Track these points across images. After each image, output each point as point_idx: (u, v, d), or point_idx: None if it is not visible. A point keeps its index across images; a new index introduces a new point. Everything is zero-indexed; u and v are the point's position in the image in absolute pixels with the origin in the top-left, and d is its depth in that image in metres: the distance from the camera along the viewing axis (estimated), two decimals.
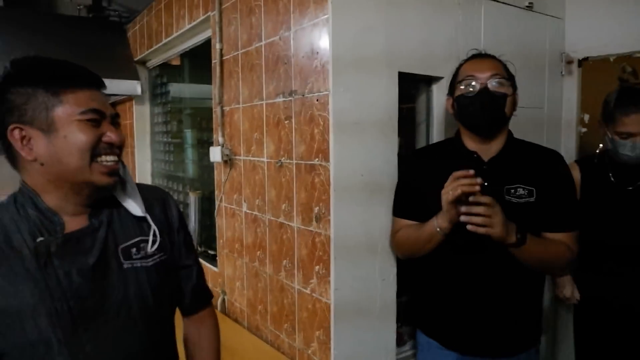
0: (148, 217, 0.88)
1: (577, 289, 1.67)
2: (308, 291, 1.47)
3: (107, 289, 0.81)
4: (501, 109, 1.24)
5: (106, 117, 0.81)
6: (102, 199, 0.86)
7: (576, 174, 1.58)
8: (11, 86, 0.77)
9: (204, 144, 2.59)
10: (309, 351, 1.48)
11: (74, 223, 0.82)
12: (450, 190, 1.11)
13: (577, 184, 1.55)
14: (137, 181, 0.94)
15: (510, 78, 1.27)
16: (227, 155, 1.89)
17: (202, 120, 2.66)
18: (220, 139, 1.94)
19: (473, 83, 1.23)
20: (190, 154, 2.83)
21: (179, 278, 0.98)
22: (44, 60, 0.79)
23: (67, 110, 0.76)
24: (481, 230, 1.09)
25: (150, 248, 0.86)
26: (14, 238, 0.77)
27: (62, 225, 0.80)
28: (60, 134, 0.76)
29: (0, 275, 0.75)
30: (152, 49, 2.70)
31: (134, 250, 0.85)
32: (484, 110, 1.23)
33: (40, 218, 0.79)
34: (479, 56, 1.31)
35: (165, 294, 0.91)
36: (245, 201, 1.83)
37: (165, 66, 2.93)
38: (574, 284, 1.68)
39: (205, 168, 2.55)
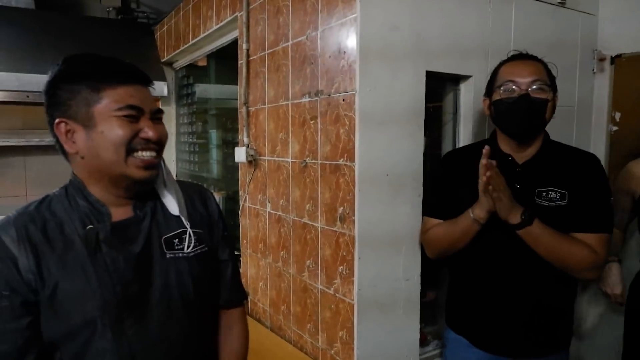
0: (183, 218, 0.90)
1: (621, 287, 1.58)
2: (331, 291, 1.47)
3: (151, 277, 0.84)
4: (541, 116, 1.21)
5: (145, 113, 0.82)
6: (145, 192, 0.88)
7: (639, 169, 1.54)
8: (60, 82, 0.81)
9: (228, 145, 2.62)
10: (332, 351, 1.48)
11: (119, 213, 0.85)
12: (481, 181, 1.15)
13: None
14: None
15: (551, 81, 1.23)
16: (252, 155, 1.91)
17: (227, 121, 2.69)
18: (246, 140, 1.96)
19: (513, 87, 1.20)
20: (214, 154, 2.86)
21: (217, 271, 1.00)
22: (91, 58, 0.83)
23: (105, 106, 0.79)
24: (494, 195, 1.15)
25: (186, 248, 0.89)
26: (66, 227, 0.81)
27: (109, 215, 0.84)
28: (99, 129, 0.79)
29: (55, 262, 0.79)
30: (179, 50, 2.74)
31: (176, 241, 0.88)
32: (523, 118, 1.20)
33: (89, 208, 0.84)
34: (520, 57, 1.26)
35: (205, 284, 0.93)
36: (269, 201, 1.84)
37: (191, 67, 2.97)
38: (621, 281, 1.59)
39: (230, 168, 2.58)
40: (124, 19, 3.09)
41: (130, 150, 0.81)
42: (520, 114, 1.20)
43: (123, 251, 0.82)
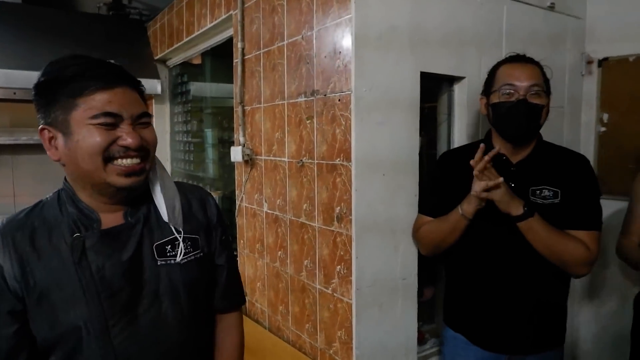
0: (172, 227, 0.88)
1: None
2: (329, 291, 1.48)
3: (139, 284, 0.83)
4: (538, 120, 1.25)
5: (124, 119, 0.79)
6: (140, 196, 0.86)
7: None
8: (42, 89, 0.79)
9: (224, 144, 2.61)
10: (331, 351, 1.49)
11: (110, 219, 0.84)
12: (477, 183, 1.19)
13: None
14: None
15: (546, 85, 1.26)
16: (248, 155, 1.91)
17: (222, 120, 2.68)
18: (241, 139, 1.95)
19: (512, 91, 1.23)
20: (210, 153, 2.84)
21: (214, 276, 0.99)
22: (71, 62, 0.79)
23: (80, 115, 0.77)
24: (483, 195, 1.19)
25: (178, 255, 0.87)
26: (54, 234, 0.81)
27: (98, 221, 0.83)
28: (74, 137, 0.77)
29: (41, 270, 0.78)
30: (172, 48, 2.71)
31: (168, 247, 0.86)
32: (521, 122, 1.23)
33: (78, 215, 0.82)
34: (519, 60, 1.28)
35: (199, 290, 0.92)
36: (266, 201, 1.85)
37: (186, 65, 2.94)
38: None
39: (226, 168, 2.57)
40: (116, 15, 3.05)
41: (108, 158, 0.78)
42: (518, 118, 1.23)
43: (110, 258, 0.80)
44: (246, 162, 1.94)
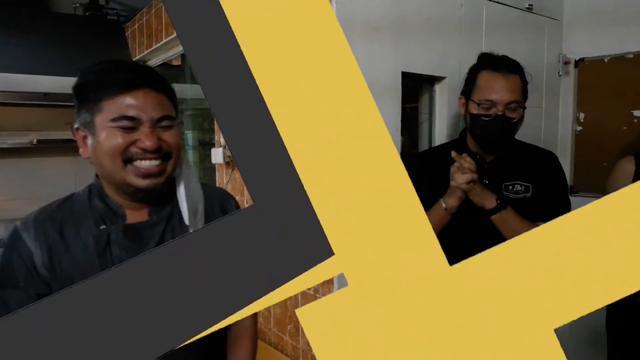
0: (191, 230, 0.89)
1: None
2: (311, 292, 1.47)
3: None
4: (514, 133, 1.28)
5: (143, 122, 0.81)
6: (166, 195, 0.89)
7: (630, 166, 1.53)
8: (74, 92, 0.84)
9: (205, 146, 2.58)
10: (313, 352, 1.48)
11: (135, 216, 0.87)
12: (459, 177, 1.20)
13: (630, 175, 1.52)
14: None
15: (525, 91, 1.27)
16: (229, 156, 1.89)
17: (203, 122, 2.65)
18: (222, 140, 1.94)
19: (491, 106, 1.24)
20: (191, 155, 2.82)
21: None
22: (98, 67, 0.83)
23: (102, 117, 0.80)
24: (463, 186, 1.20)
25: None
26: (82, 226, 0.84)
27: (124, 217, 0.86)
28: (97, 138, 0.81)
29: (67, 261, 0.82)
30: (151, 49, 2.67)
31: None
32: (497, 136, 1.25)
33: (105, 209, 0.86)
34: (500, 68, 1.26)
35: None
36: (247, 203, 1.83)
37: (165, 66, 2.91)
38: None
39: (207, 170, 2.55)
40: (93, 16, 2.99)
41: (128, 159, 0.81)
42: (495, 133, 1.25)
43: (132, 253, 0.83)
44: (227, 163, 1.92)
